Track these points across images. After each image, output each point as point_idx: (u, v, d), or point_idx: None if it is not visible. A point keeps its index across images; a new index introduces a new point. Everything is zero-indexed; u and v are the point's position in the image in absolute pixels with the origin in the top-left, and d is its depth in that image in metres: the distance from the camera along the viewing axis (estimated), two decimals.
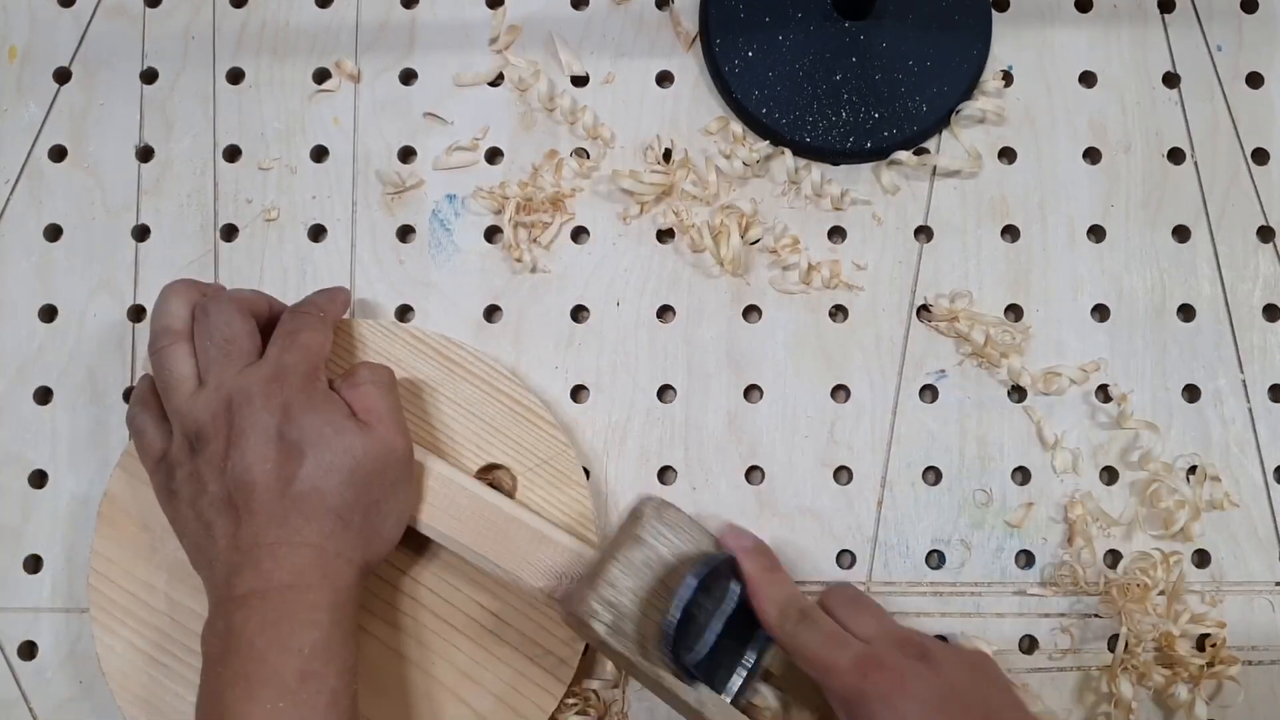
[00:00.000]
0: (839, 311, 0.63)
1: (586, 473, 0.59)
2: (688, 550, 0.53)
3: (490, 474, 0.58)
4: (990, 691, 0.51)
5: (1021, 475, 0.61)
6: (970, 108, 0.64)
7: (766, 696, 0.53)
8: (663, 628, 0.50)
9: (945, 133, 0.64)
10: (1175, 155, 0.64)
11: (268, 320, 0.55)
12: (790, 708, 0.53)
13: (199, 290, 0.55)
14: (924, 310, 0.62)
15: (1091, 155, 0.64)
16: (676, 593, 0.50)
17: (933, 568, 0.60)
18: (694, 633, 0.50)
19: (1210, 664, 0.57)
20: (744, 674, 0.52)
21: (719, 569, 0.52)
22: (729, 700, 0.51)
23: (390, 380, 0.54)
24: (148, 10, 0.66)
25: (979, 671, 0.51)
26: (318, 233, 0.64)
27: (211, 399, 0.51)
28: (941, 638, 0.59)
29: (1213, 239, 0.63)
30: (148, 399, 0.54)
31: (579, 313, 0.63)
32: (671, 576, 0.52)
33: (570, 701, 0.58)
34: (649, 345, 0.62)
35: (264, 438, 0.49)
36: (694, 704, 0.51)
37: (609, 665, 0.58)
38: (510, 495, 0.57)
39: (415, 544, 0.56)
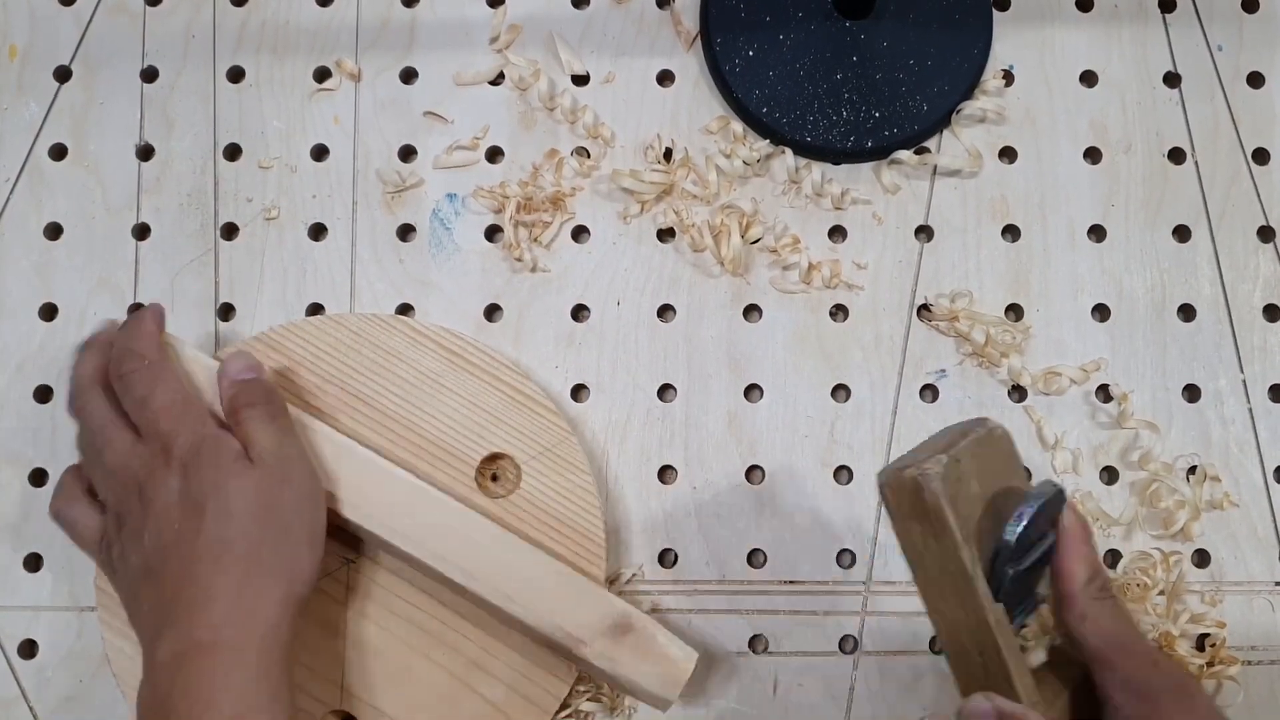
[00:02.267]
0: (839, 311, 0.63)
1: None
2: (1019, 473, 0.50)
3: (493, 463, 0.58)
4: None
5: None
6: (971, 107, 0.63)
7: (1035, 644, 0.51)
8: (1005, 533, 0.48)
9: (946, 132, 0.64)
10: (1176, 155, 0.64)
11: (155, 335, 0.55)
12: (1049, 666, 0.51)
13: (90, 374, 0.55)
14: (924, 310, 0.62)
15: (1092, 155, 0.64)
16: (1027, 504, 0.48)
17: None
18: (1023, 555, 0.48)
19: (1210, 664, 0.57)
20: (1021, 616, 0.50)
21: (1053, 504, 0.49)
22: (1019, 642, 0.49)
23: (273, 412, 0.53)
24: (148, 9, 0.66)
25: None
26: (318, 232, 0.64)
27: (125, 480, 0.52)
28: None
29: (1213, 239, 0.63)
30: (66, 490, 0.55)
31: (579, 312, 0.63)
32: (1010, 489, 0.49)
33: (582, 689, 0.58)
34: (649, 344, 0.62)
35: (168, 503, 0.50)
36: (992, 622, 0.48)
37: None
38: (515, 485, 0.57)
39: None
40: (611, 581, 0.59)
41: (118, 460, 0.52)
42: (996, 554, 0.48)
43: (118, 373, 0.53)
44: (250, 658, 0.48)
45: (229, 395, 0.54)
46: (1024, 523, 0.47)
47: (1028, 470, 0.52)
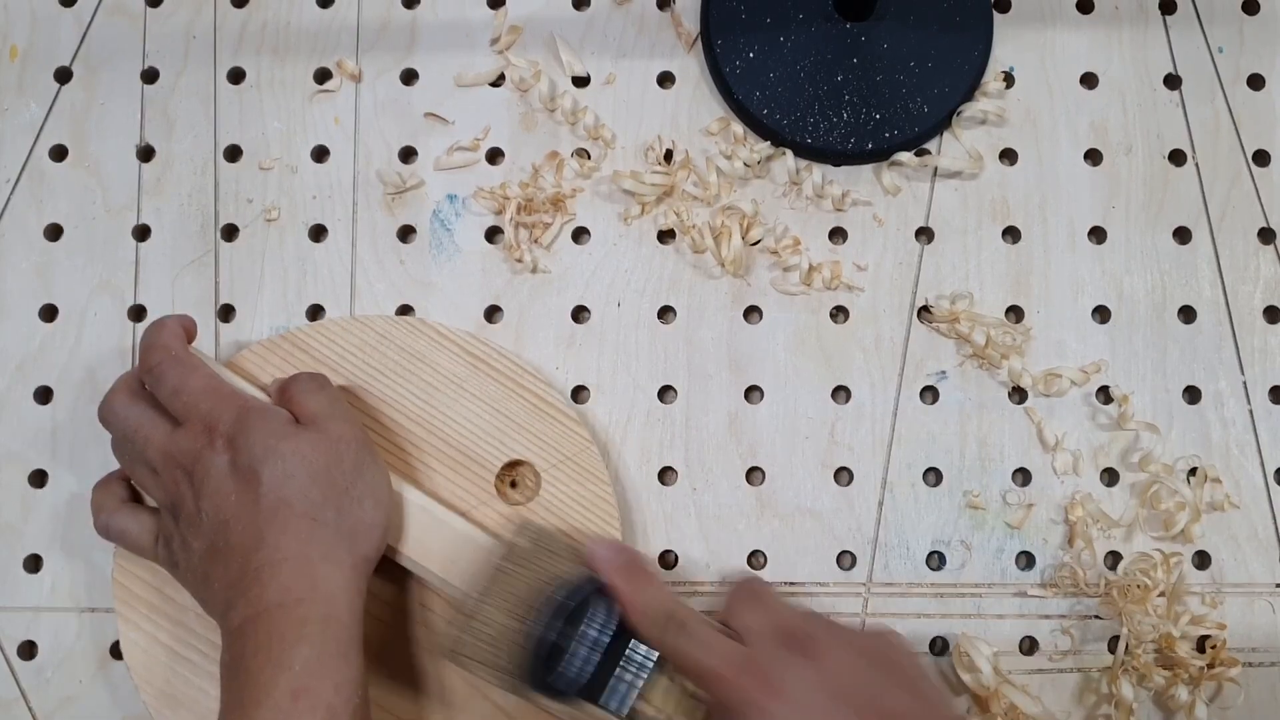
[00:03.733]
0: (840, 312, 0.63)
1: None
2: (557, 573, 0.51)
3: (513, 470, 0.58)
4: (884, 682, 0.48)
5: (1022, 476, 0.61)
6: (971, 109, 0.64)
7: (656, 710, 0.51)
8: (524, 658, 0.49)
9: (946, 134, 0.64)
10: (1176, 157, 0.64)
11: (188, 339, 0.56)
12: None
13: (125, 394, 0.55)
14: (925, 311, 0.62)
15: (1092, 157, 0.64)
16: (529, 624, 0.50)
17: (933, 569, 0.60)
18: (562, 656, 0.49)
19: (1210, 665, 0.57)
20: (634, 688, 0.50)
21: (579, 589, 0.50)
22: (620, 716, 0.50)
23: (321, 383, 0.54)
24: (149, 10, 0.66)
25: (874, 659, 0.48)
26: (318, 233, 0.64)
27: (171, 470, 0.52)
28: (943, 639, 0.59)
29: (1214, 241, 0.63)
30: (106, 504, 0.55)
31: (580, 313, 0.63)
32: (539, 602, 0.51)
33: None
34: (649, 346, 0.62)
35: (221, 478, 0.50)
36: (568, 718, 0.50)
37: None
38: (534, 492, 0.57)
39: None
40: None
41: (159, 453, 0.52)
42: (550, 655, 0.50)
43: (146, 368, 0.53)
44: (317, 617, 0.48)
45: (277, 385, 0.55)
46: (533, 643, 0.49)
47: (575, 548, 0.53)
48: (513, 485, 0.58)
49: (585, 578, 0.51)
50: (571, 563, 0.52)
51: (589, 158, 0.64)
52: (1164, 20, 0.66)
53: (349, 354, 0.59)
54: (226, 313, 0.62)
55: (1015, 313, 0.62)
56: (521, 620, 0.50)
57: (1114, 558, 0.60)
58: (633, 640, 0.50)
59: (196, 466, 0.51)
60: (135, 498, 0.56)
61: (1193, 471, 0.60)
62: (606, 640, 0.50)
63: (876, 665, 0.48)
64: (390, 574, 0.56)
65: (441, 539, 0.54)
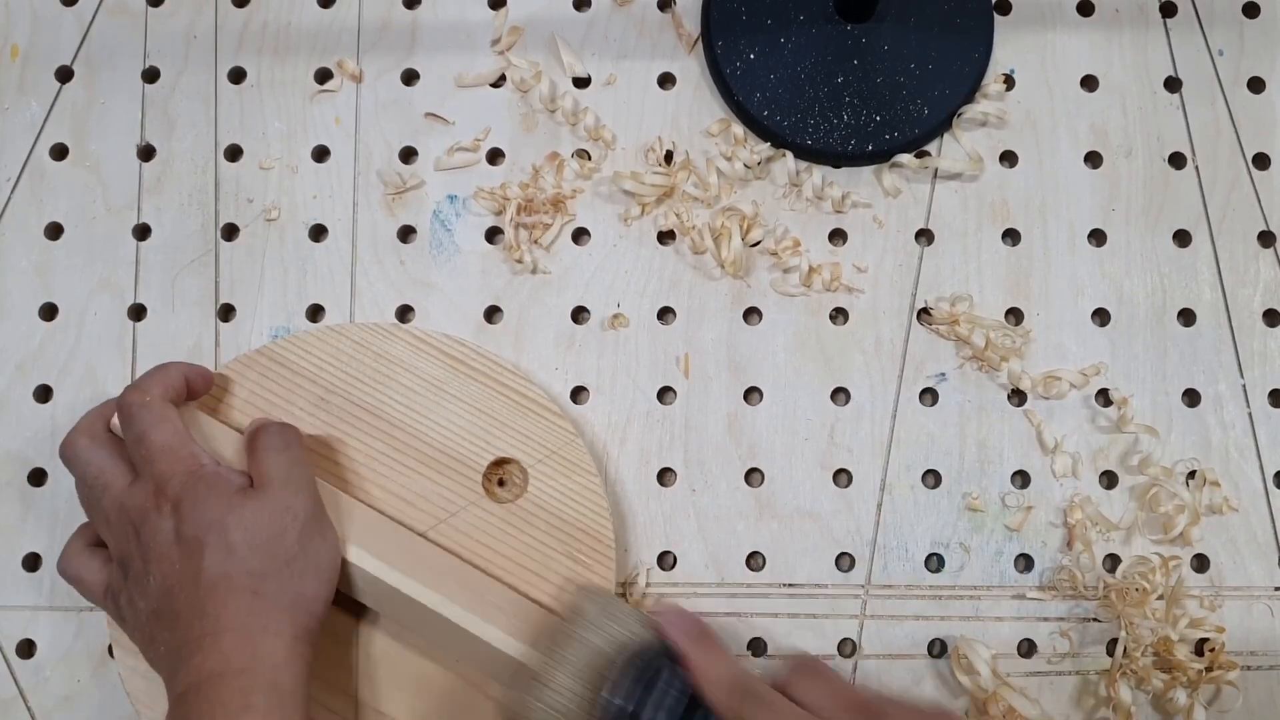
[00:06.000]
0: (839, 314, 0.63)
1: None
2: (626, 639, 0.51)
3: (500, 469, 0.58)
4: None
5: (1021, 479, 0.61)
6: (972, 111, 0.64)
7: None
8: (600, 709, 0.49)
9: (947, 136, 0.64)
10: (1176, 160, 0.64)
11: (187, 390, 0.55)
12: None
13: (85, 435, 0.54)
14: (924, 313, 0.62)
15: (1093, 159, 0.64)
16: (605, 691, 0.49)
17: (932, 571, 0.60)
18: (634, 711, 0.49)
19: (1209, 668, 0.57)
20: None
21: (651, 659, 0.50)
22: None
23: (287, 440, 0.54)
24: (150, 9, 0.66)
25: None
26: (318, 233, 0.64)
27: (123, 524, 0.52)
28: (941, 642, 0.59)
29: (1213, 244, 0.63)
30: (70, 547, 0.55)
31: (579, 314, 0.63)
32: (610, 670, 0.51)
33: None
34: (649, 347, 0.62)
35: (167, 544, 0.50)
36: None
37: None
38: (522, 489, 0.57)
39: None
40: (626, 585, 0.59)
41: (114, 504, 0.52)
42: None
43: (120, 405, 0.53)
44: (261, 685, 0.48)
45: (249, 432, 0.54)
46: (619, 696, 0.49)
47: (640, 614, 0.53)
48: (500, 484, 0.58)
49: (658, 645, 0.51)
50: (638, 628, 0.52)
51: (589, 158, 0.64)
52: (1164, 23, 0.66)
53: (326, 364, 0.58)
54: (226, 312, 0.62)
55: (1015, 315, 0.62)
56: (594, 687, 0.50)
57: (1113, 560, 0.60)
58: (702, 711, 0.50)
59: (144, 526, 0.51)
60: (102, 544, 0.55)
61: (1192, 474, 0.60)
62: (680, 710, 0.49)
63: None
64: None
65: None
